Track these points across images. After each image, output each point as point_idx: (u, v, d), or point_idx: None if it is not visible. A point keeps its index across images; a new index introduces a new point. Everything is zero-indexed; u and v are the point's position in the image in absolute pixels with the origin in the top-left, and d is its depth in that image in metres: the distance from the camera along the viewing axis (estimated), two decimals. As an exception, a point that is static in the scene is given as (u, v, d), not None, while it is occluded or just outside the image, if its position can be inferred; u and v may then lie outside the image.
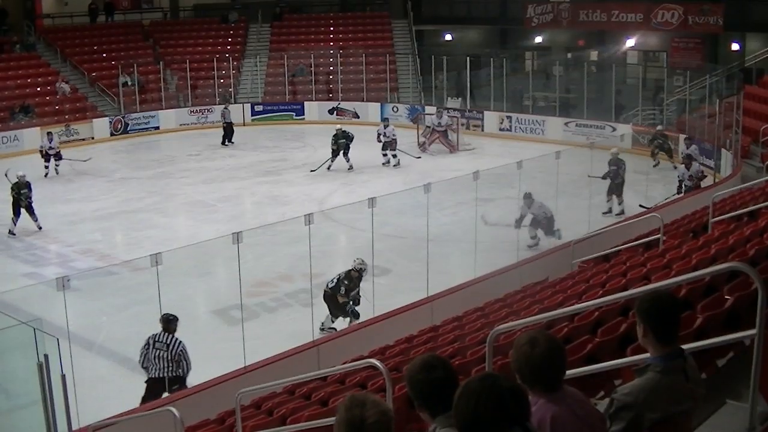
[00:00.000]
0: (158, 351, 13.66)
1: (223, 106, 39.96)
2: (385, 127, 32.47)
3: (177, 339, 13.79)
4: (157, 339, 13.70)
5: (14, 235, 24.11)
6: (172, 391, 13.57)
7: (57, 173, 31.72)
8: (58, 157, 31.85)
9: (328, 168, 31.41)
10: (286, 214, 24.50)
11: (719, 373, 7.21)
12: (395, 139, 32.21)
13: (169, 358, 13.65)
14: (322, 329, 16.72)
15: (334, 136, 32.00)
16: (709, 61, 39.64)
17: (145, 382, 13.85)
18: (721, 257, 10.84)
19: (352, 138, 32.04)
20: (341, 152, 31.86)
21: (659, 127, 32.85)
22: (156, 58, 45.34)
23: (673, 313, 4.84)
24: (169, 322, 13.84)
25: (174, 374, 13.72)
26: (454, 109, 39.49)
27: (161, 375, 13.64)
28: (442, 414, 4.03)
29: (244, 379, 12.93)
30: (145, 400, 13.51)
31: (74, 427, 10.42)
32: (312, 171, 32.08)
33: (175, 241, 21.14)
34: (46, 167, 31.42)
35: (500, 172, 23.25)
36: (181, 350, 13.75)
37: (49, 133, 32.63)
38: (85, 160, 32.80)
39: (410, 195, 20.52)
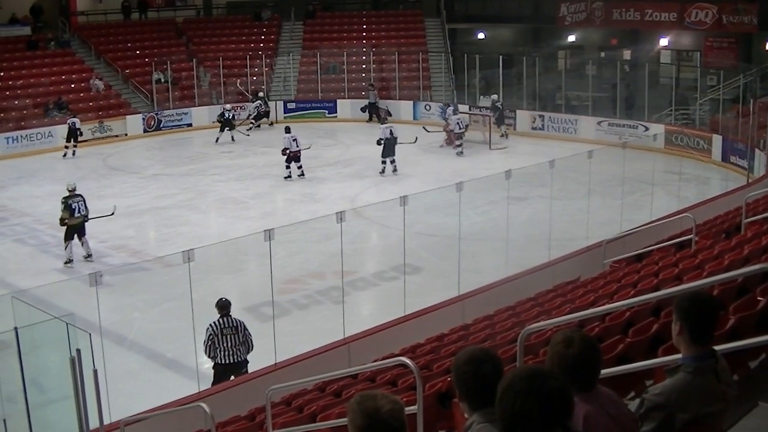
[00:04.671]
0: (227, 337, 13.71)
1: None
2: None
3: (239, 319, 13.97)
4: (224, 325, 13.74)
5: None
6: (240, 374, 13.74)
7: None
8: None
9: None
10: (318, 211, 24.54)
11: (751, 375, 7.16)
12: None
13: (240, 340, 13.78)
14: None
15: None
16: (743, 60, 39.34)
17: (213, 368, 13.92)
18: (754, 258, 10.78)
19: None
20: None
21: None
22: (189, 56, 45.54)
23: (711, 314, 4.80)
24: (227, 306, 13.94)
25: (243, 358, 13.87)
26: (487, 108, 39.44)
27: (233, 360, 13.75)
28: (482, 409, 4.02)
29: (275, 376, 12.95)
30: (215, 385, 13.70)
31: (106, 421, 10.45)
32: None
33: (207, 238, 21.21)
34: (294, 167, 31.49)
35: (532, 171, 23.21)
36: (247, 329, 13.93)
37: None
38: None
39: (442, 193, 20.48)
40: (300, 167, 30.65)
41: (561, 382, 3.58)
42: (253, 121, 41.34)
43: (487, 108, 39.27)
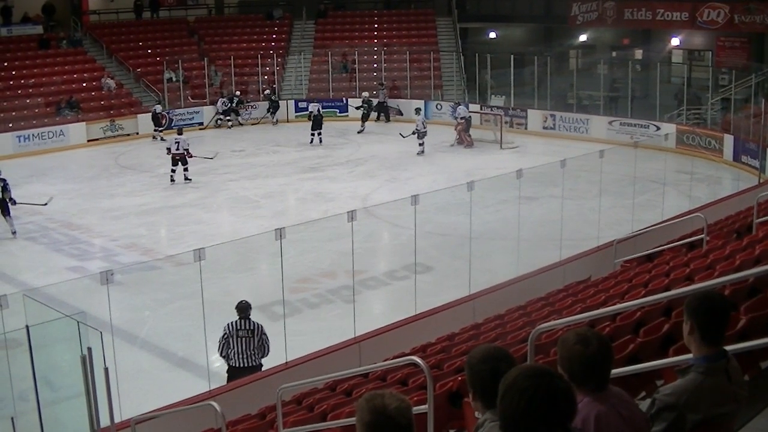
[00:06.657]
0: (242, 339, 13.66)
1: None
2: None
3: (258, 323, 13.88)
4: (239, 327, 13.68)
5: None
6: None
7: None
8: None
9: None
10: (329, 210, 24.57)
11: (763, 375, 7.15)
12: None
13: (255, 345, 13.72)
14: None
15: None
16: (755, 60, 39.21)
17: (227, 371, 13.87)
18: (766, 258, 10.74)
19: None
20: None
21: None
22: (200, 55, 45.60)
23: (722, 314, 4.78)
24: (246, 309, 13.86)
25: (257, 362, 13.80)
26: (498, 107, 39.41)
27: (246, 364, 13.69)
28: (496, 407, 4.01)
29: (286, 375, 12.96)
30: None
31: (116, 419, 10.46)
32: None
33: (218, 237, 21.24)
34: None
35: (544, 171, 23.18)
36: (265, 334, 13.86)
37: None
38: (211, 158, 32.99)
39: (453, 193, 20.47)
40: (186, 169, 30.50)
41: (566, 382, 3.57)
42: (221, 117, 42.37)
43: (499, 107, 39.28)
